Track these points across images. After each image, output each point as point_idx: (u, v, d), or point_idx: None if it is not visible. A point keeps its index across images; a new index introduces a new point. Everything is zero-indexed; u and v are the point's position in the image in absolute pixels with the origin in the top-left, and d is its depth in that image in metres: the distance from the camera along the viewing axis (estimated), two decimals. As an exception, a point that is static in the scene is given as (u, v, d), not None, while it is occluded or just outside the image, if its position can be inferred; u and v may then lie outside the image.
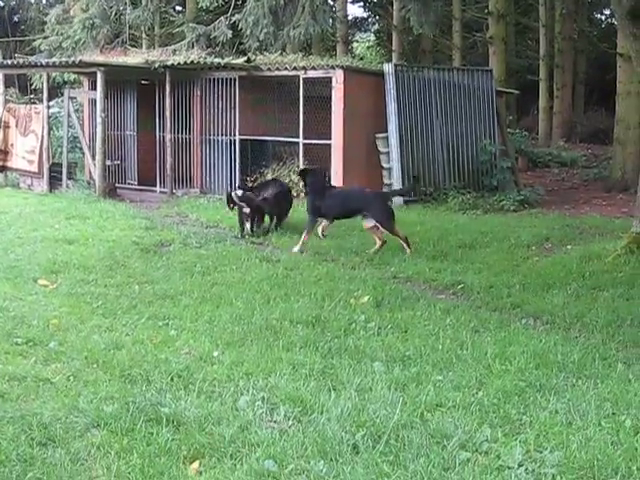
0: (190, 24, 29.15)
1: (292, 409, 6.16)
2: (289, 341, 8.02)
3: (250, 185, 17.55)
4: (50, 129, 22.24)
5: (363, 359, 7.49)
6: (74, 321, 8.70)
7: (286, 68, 20.50)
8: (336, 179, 19.18)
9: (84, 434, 5.73)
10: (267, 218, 15.38)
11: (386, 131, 19.98)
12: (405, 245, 13.19)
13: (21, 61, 24.62)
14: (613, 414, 6.09)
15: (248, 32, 23.34)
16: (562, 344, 7.94)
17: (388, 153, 19.98)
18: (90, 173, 21.50)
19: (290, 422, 5.97)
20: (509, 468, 5.23)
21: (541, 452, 5.46)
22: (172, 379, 6.82)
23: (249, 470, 5.19)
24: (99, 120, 20.36)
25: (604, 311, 9.32)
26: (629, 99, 22.91)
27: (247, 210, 14.92)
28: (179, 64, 21.04)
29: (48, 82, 22.45)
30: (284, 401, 6.31)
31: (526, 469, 5.22)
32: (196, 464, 5.32)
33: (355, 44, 50.17)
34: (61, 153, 22.16)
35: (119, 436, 5.66)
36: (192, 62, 21.13)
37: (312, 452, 5.42)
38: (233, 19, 25.32)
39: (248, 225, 14.94)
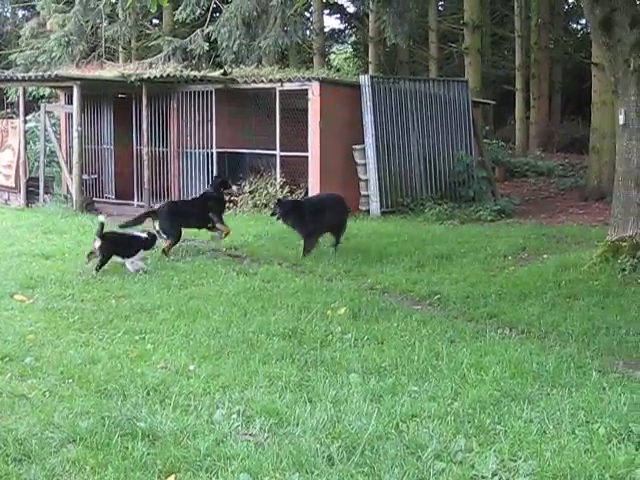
0: (166, 37, 29.22)
1: (268, 422, 6.16)
2: (266, 354, 8.03)
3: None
4: (27, 143, 22.21)
5: (339, 371, 7.51)
6: (50, 336, 8.69)
7: (262, 81, 20.55)
8: (313, 191, 19.24)
9: (60, 449, 5.73)
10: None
11: (363, 143, 20.04)
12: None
13: (-4, 75, 24.54)
14: (587, 422, 6.12)
15: (223, 45, 23.43)
16: (537, 353, 7.98)
17: (365, 165, 20.03)
18: (67, 187, 21.48)
19: (266, 435, 5.98)
20: (483, 478, 5.26)
21: (515, 461, 5.49)
22: (148, 393, 6.82)
23: (224, 484, 5.20)
24: (75, 134, 20.34)
25: (579, 320, 9.37)
26: (604, 108, 23.03)
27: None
28: (155, 77, 21.03)
29: (24, 96, 22.39)
30: (260, 414, 6.32)
31: (500, 478, 5.25)
32: (171, 478, 5.32)
33: (332, 56, 50.26)
34: (38, 167, 22.11)
35: (94, 451, 5.66)
36: (168, 75, 21.15)
37: (287, 464, 5.43)
38: (207, 30, 25.39)
39: None
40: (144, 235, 13.09)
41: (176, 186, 21.99)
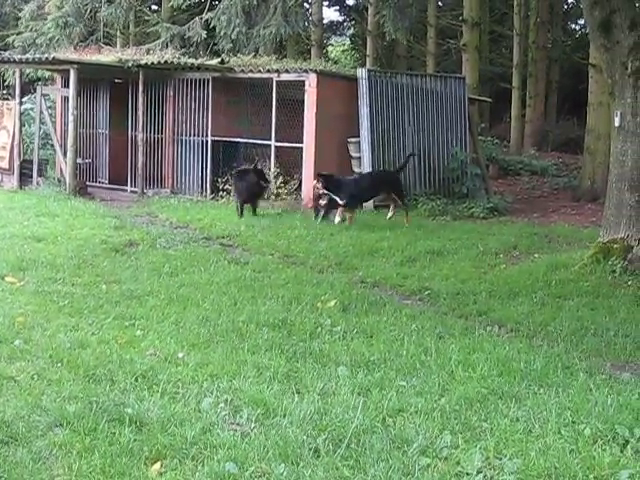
0: (165, 24, 29.14)
1: (255, 412, 6.17)
2: (255, 344, 8.04)
3: None
4: (22, 125, 22.17)
5: (328, 363, 7.51)
6: (40, 319, 8.68)
7: (260, 70, 20.54)
8: (308, 182, 19.23)
9: (46, 433, 5.73)
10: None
11: (358, 136, 20.03)
12: None
13: (-7, 56, 24.43)
14: (573, 423, 6.12)
15: (222, 32, 23.43)
16: (526, 352, 7.99)
17: (360, 158, 20.02)
18: (61, 171, 21.48)
19: (253, 425, 5.99)
20: (468, 474, 5.27)
21: (500, 459, 5.49)
22: (136, 379, 6.82)
23: (210, 472, 5.20)
24: (71, 118, 20.32)
25: (568, 320, 9.38)
26: (600, 110, 23.05)
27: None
28: (153, 64, 21.02)
29: (21, 78, 22.36)
30: (247, 404, 6.33)
31: (485, 476, 5.26)
32: (157, 465, 5.33)
33: (330, 48, 50.16)
34: (32, 150, 22.08)
35: (81, 435, 5.66)
36: (166, 62, 21.13)
37: (273, 455, 5.44)
38: (205, 17, 25.37)
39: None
40: None
41: (170, 173, 21.97)
